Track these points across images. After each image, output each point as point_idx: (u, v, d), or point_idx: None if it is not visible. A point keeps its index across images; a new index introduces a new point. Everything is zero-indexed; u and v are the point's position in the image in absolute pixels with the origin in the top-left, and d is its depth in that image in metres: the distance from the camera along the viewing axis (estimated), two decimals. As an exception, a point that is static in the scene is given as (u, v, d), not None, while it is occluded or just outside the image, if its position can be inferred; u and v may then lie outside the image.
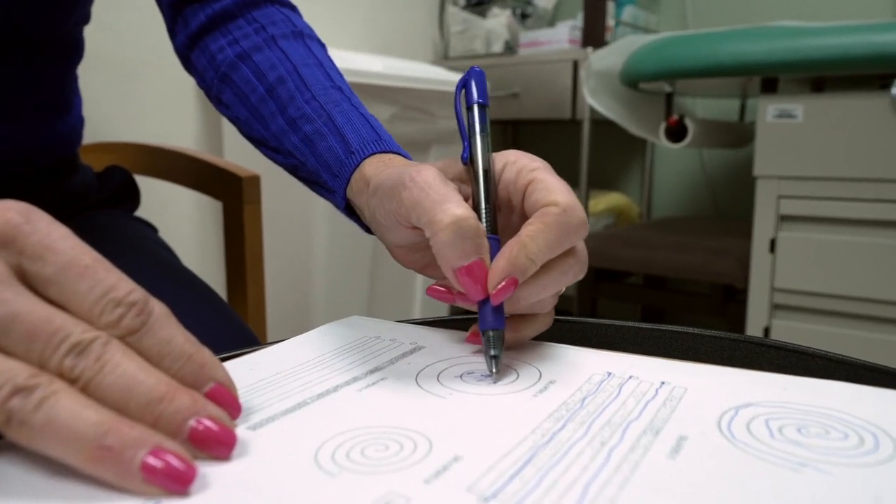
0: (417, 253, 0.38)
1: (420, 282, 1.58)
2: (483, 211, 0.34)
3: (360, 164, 0.40)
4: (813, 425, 0.26)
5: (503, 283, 0.30)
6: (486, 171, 0.35)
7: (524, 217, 0.33)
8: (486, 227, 0.34)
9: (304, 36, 0.50)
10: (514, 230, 0.32)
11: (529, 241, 0.30)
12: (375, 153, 0.41)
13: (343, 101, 0.45)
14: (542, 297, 0.33)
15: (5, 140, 0.52)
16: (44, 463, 0.23)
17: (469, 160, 0.36)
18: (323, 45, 0.52)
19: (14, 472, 0.22)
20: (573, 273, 0.33)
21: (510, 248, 0.31)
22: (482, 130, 0.36)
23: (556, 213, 0.31)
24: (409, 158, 0.43)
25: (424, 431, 0.25)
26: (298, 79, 0.46)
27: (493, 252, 0.32)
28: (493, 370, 0.31)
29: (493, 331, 0.31)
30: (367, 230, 0.42)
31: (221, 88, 0.50)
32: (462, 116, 0.37)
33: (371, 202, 0.37)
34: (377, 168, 0.39)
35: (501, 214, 0.36)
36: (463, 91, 0.38)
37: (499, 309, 0.32)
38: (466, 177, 0.36)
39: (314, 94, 0.45)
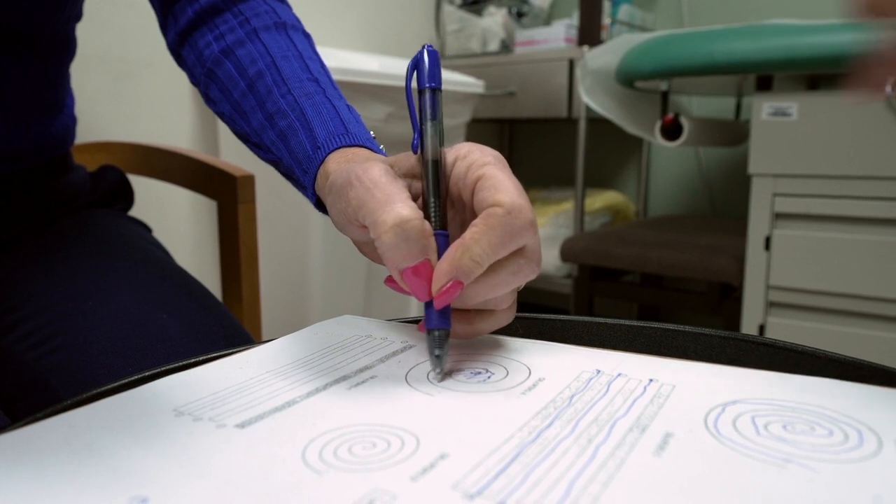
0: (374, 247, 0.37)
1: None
2: (431, 205, 0.33)
3: (324, 160, 0.40)
4: (798, 422, 0.26)
5: (447, 286, 0.30)
6: (434, 162, 0.33)
7: (475, 215, 0.32)
8: (434, 222, 0.32)
9: (287, 27, 0.50)
10: (467, 227, 0.31)
11: (472, 243, 0.30)
12: (340, 147, 0.40)
13: (317, 93, 0.44)
14: (493, 296, 0.32)
15: None
16: (32, 460, 0.23)
17: (419, 150, 0.34)
18: (307, 36, 0.51)
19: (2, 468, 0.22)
20: (524, 273, 0.32)
21: (453, 251, 0.30)
22: (433, 117, 0.34)
23: (500, 215, 0.30)
24: (378, 149, 0.42)
25: (412, 429, 0.25)
26: (276, 72, 0.45)
27: (442, 249, 0.31)
28: (437, 369, 0.31)
29: (438, 331, 0.31)
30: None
31: (208, 84, 0.50)
32: (413, 101, 0.35)
33: (328, 200, 0.36)
34: (339, 163, 0.38)
35: (454, 210, 0.35)
36: (415, 74, 0.35)
37: (444, 308, 0.31)
38: (419, 170, 0.35)
39: (290, 87, 0.44)
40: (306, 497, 0.21)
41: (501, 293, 0.32)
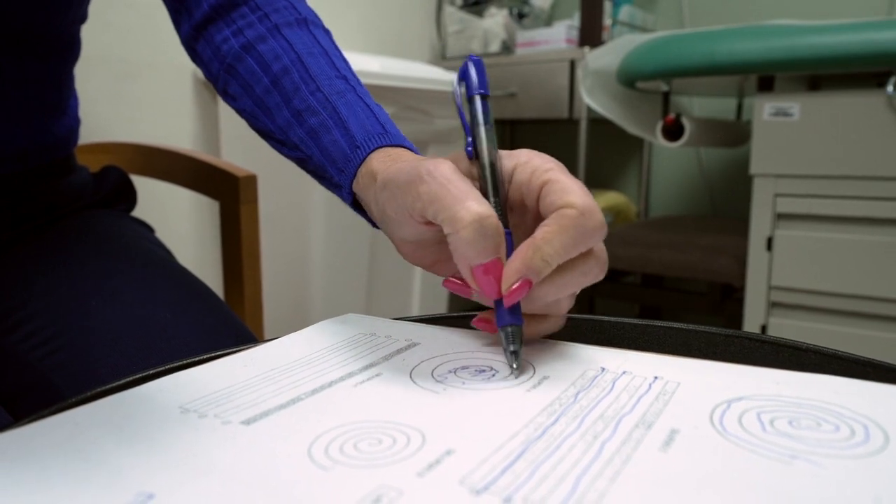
0: (426, 249, 0.37)
1: (418, 280, 1.59)
2: (492, 205, 0.33)
3: (365, 159, 0.40)
4: (804, 418, 0.26)
5: (517, 284, 0.30)
6: (492, 164, 0.34)
7: (539, 218, 0.32)
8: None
9: (309, 23, 0.49)
10: (529, 232, 0.31)
11: (544, 243, 0.30)
12: (381, 147, 0.40)
13: (348, 91, 0.44)
14: (559, 296, 0.32)
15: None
16: (37, 457, 0.23)
17: (474, 154, 0.35)
18: (328, 32, 0.51)
19: (7, 467, 0.22)
20: (593, 274, 0.32)
21: (525, 250, 0.30)
22: (485, 122, 0.35)
23: (574, 216, 0.30)
24: (417, 152, 0.42)
25: (417, 426, 0.25)
26: (303, 69, 0.45)
27: (509, 248, 0.32)
28: (513, 365, 0.31)
29: (511, 326, 0.31)
30: (375, 225, 0.42)
31: (227, 80, 0.49)
32: (463, 109, 0.36)
33: (380, 197, 0.36)
34: (385, 162, 0.38)
35: (514, 215, 0.35)
36: (463, 82, 0.36)
37: (515, 306, 0.31)
38: (475, 172, 0.35)
39: (319, 84, 0.44)
40: (313, 492, 0.21)
41: (567, 294, 0.33)
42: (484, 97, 0.35)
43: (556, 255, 0.30)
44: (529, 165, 0.34)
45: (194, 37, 0.51)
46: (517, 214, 0.35)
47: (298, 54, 0.46)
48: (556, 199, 0.31)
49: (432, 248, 0.37)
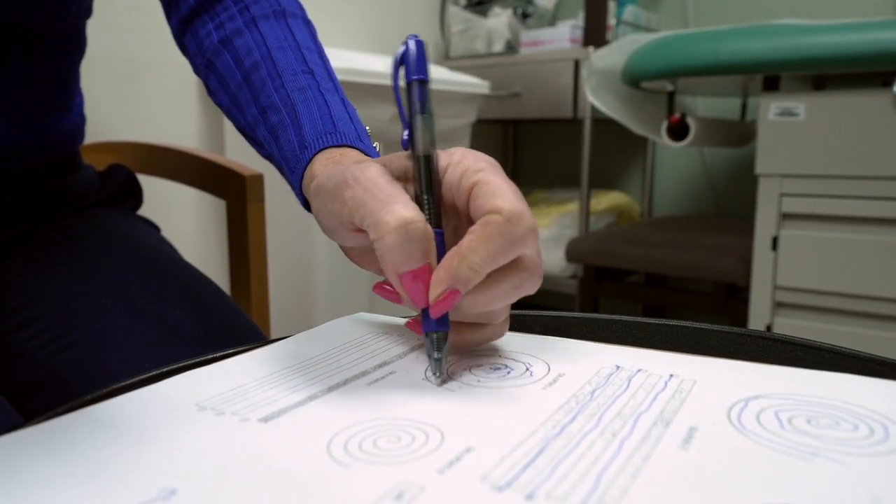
0: (370, 254, 0.34)
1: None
2: (425, 203, 0.31)
3: (311, 160, 0.38)
4: (822, 416, 0.26)
5: (443, 296, 0.28)
6: (427, 157, 0.31)
7: (471, 221, 0.30)
8: (430, 220, 0.31)
9: (287, 14, 0.48)
10: (461, 235, 0.30)
11: (470, 251, 0.28)
12: (327, 147, 0.38)
13: (310, 87, 0.43)
14: (491, 308, 0.30)
15: (4, 136, 0.51)
16: (58, 454, 0.23)
17: (409, 145, 0.32)
18: (308, 23, 0.50)
19: (29, 461, 0.22)
20: (525, 287, 0.30)
21: (451, 259, 0.28)
22: (422, 110, 0.32)
23: (499, 222, 0.28)
24: (371, 148, 0.40)
25: (436, 423, 0.25)
26: (272, 64, 0.44)
27: (438, 248, 0.30)
28: (437, 373, 0.30)
29: (436, 333, 0.30)
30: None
31: (208, 75, 0.49)
32: (401, 95, 0.33)
33: (314, 203, 0.34)
34: (325, 165, 0.37)
35: (446, 217, 0.33)
36: (403, 66, 0.33)
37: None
38: (409, 172, 0.33)
39: (283, 80, 0.43)
40: (335, 489, 0.21)
41: (499, 306, 0.31)
42: (422, 83, 0.32)
43: (484, 264, 0.28)
44: (461, 165, 0.31)
45: (182, 31, 0.52)
46: (450, 216, 0.33)
47: (269, 49, 0.45)
48: (483, 202, 0.29)
49: (373, 254, 0.35)
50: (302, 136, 0.40)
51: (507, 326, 0.34)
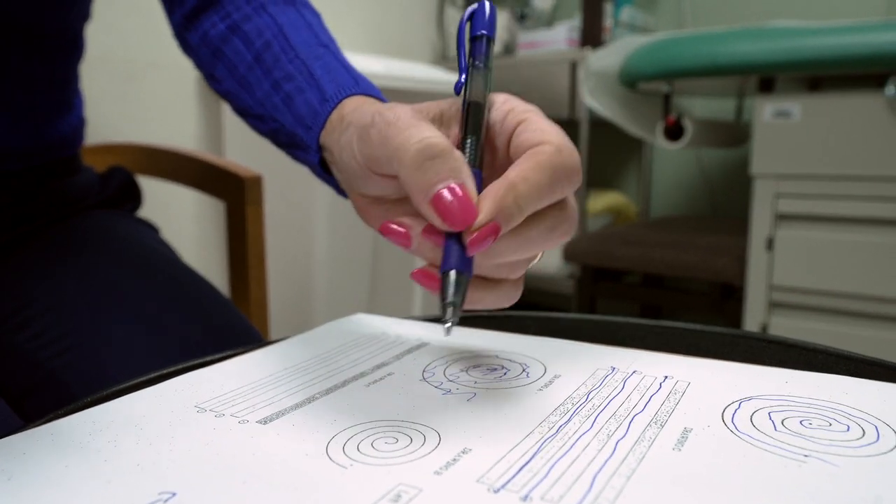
0: (380, 207, 0.33)
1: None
2: (468, 143, 0.29)
3: (335, 107, 0.37)
4: (815, 418, 0.26)
5: (484, 228, 0.25)
6: (476, 104, 0.30)
7: (510, 162, 0.28)
8: (469, 159, 0.28)
9: (296, 3, 0.48)
10: (497, 176, 0.27)
11: (520, 181, 0.26)
12: (352, 95, 0.37)
13: (326, 55, 0.42)
14: (521, 256, 0.28)
15: (3, 138, 0.52)
16: (58, 456, 0.23)
17: (463, 92, 0.31)
18: (316, 14, 0.50)
19: (35, 460, 0.23)
20: (561, 230, 0.28)
21: (497, 188, 0.26)
22: (484, 65, 0.32)
23: (550, 153, 0.27)
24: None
25: (433, 425, 0.26)
26: (284, 40, 0.44)
27: (477, 188, 0.27)
28: (447, 318, 0.26)
29: (457, 272, 0.26)
30: (342, 192, 0.39)
31: (214, 64, 0.49)
32: (464, 48, 0.33)
33: (342, 140, 0.33)
34: (355, 106, 0.36)
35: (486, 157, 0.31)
36: (469, 23, 0.33)
37: (465, 253, 0.26)
38: (448, 116, 0.31)
39: (297, 52, 0.42)
40: (334, 490, 0.21)
41: (531, 253, 0.28)
42: (487, 39, 0.32)
43: (531, 198, 0.26)
44: (507, 105, 0.30)
45: (185, 26, 0.51)
46: (489, 160, 0.31)
47: (280, 26, 0.45)
48: (531, 136, 0.28)
49: (387, 206, 0.33)
50: (322, 91, 0.39)
51: (521, 290, 0.30)
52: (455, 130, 0.31)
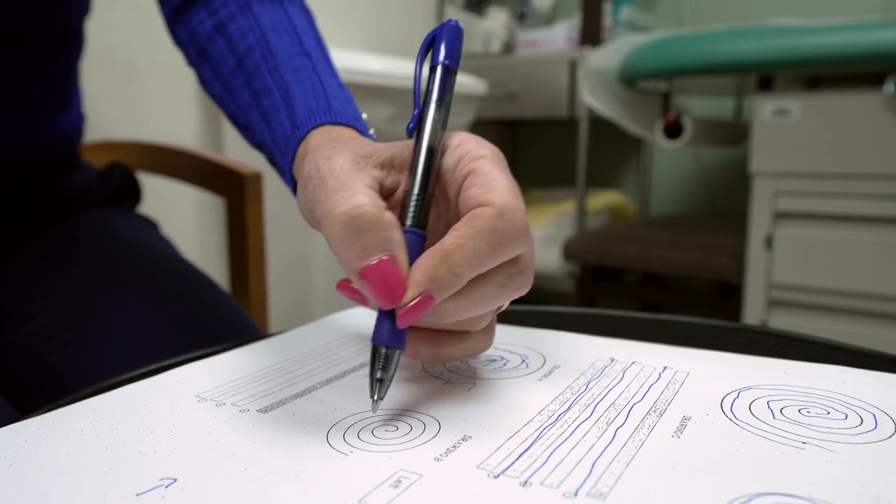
0: None
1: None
2: (413, 198, 0.27)
3: (304, 138, 0.35)
4: (813, 406, 0.26)
5: (415, 301, 0.24)
6: (430, 150, 0.27)
7: (460, 216, 0.26)
8: (411, 218, 0.26)
9: (284, 1, 0.47)
10: (447, 227, 0.26)
11: (454, 249, 0.24)
12: (322, 125, 0.35)
13: (305, 68, 0.41)
14: (475, 314, 0.26)
15: (3, 135, 0.52)
16: (60, 444, 0.23)
17: (414, 133, 0.28)
18: (306, 10, 0.48)
19: (38, 447, 0.23)
20: (513, 287, 0.26)
21: (430, 258, 0.24)
22: (439, 99, 0.28)
23: (490, 217, 0.25)
24: (367, 131, 0.38)
25: (433, 413, 0.26)
26: (266, 47, 0.42)
27: (414, 252, 0.26)
28: (374, 396, 0.25)
29: (386, 347, 0.25)
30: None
31: (201, 63, 0.48)
32: (420, 80, 0.29)
33: (299, 185, 0.30)
34: (317, 143, 0.34)
35: (436, 210, 0.29)
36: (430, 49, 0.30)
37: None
38: (400, 161, 0.28)
39: (277, 63, 0.41)
40: (334, 477, 0.21)
41: (483, 311, 0.26)
42: (447, 69, 0.29)
43: (469, 266, 0.24)
44: (460, 149, 0.27)
45: (174, 19, 0.51)
46: (441, 210, 0.29)
47: (264, 31, 0.43)
48: (475, 193, 0.26)
49: None
50: (294, 116, 0.37)
51: (492, 338, 0.29)
52: (400, 177, 0.28)
